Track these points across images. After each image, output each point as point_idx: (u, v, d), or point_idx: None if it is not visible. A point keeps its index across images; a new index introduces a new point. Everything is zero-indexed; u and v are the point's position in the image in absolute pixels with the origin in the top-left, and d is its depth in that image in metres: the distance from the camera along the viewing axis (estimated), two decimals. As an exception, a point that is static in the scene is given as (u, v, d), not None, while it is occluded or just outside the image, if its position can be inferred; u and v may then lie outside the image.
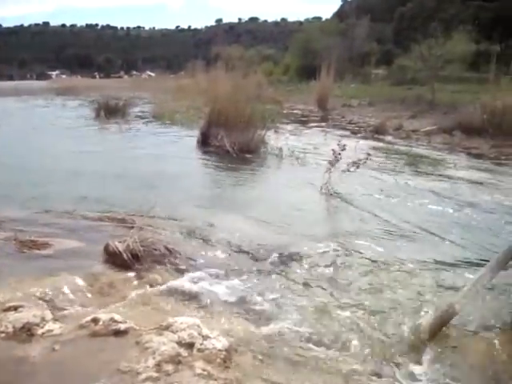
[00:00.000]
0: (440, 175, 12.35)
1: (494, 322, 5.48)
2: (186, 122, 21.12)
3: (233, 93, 15.76)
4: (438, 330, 5.19)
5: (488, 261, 5.48)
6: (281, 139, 15.46)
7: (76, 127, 21.22)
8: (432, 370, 4.71)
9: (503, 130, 16.15)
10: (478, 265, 6.42)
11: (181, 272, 6.40)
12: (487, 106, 17.06)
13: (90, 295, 5.76)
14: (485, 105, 17.18)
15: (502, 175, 12.47)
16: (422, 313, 5.55)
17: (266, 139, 15.15)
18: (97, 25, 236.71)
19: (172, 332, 4.59)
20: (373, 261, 6.88)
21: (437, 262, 6.95)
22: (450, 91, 25.35)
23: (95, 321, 4.76)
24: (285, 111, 27.54)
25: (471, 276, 5.94)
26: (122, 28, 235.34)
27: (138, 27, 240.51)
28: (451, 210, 9.37)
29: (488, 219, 8.64)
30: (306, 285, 6.15)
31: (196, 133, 16.66)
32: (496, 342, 5.13)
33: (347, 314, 5.50)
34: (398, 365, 4.74)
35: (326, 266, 6.67)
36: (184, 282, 6.05)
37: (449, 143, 16.52)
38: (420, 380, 4.53)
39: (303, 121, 23.83)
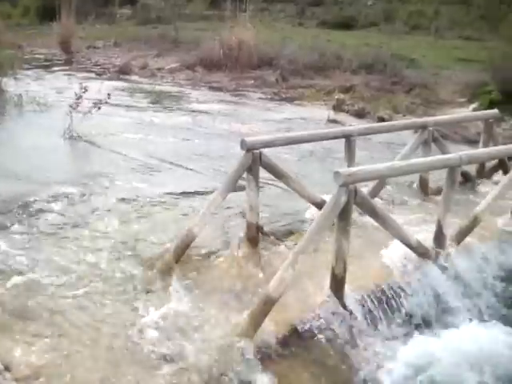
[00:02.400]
0: (183, 110, 12.81)
1: (228, 240, 6.03)
2: None
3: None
4: (182, 253, 5.57)
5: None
6: (21, 86, 14.45)
7: None
8: (180, 286, 5.10)
9: (240, 64, 17.19)
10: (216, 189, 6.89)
11: None
12: (225, 41, 17.86)
13: None
14: (222, 41, 17.95)
15: (239, 105, 13.37)
16: (167, 240, 5.86)
17: (4, 86, 14.05)
18: None
19: None
20: (121, 199, 6.99)
21: (181, 192, 7.33)
22: (192, 29, 25.93)
23: None
24: (26, 56, 25.61)
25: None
26: None
27: None
28: (194, 142, 9.85)
29: (226, 147, 9.23)
30: (51, 235, 6.05)
31: None
32: (234, 260, 5.68)
33: (100, 255, 5.60)
34: (149, 286, 5.05)
35: (70, 211, 6.62)
36: None
37: (192, 79, 17.07)
38: (169, 297, 4.88)
39: (46, 65, 22.45)
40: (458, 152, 5.61)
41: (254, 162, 5.72)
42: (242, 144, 5.68)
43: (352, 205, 4.59)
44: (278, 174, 6.05)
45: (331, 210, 4.52)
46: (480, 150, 6.40)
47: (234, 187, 5.83)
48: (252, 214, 5.92)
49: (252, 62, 17.53)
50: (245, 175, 5.80)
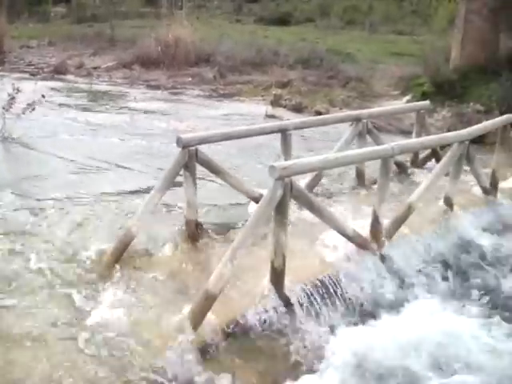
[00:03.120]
0: (121, 109, 12.64)
1: (167, 238, 5.99)
2: None
3: None
4: (121, 254, 5.50)
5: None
6: None
7: None
8: (119, 287, 5.05)
9: (177, 61, 17.08)
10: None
11: None
12: (162, 39, 17.70)
13: None
14: (159, 38, 17.78)
15: (177, 103, 13.30)
16: (106, 240, 5.77)
17: None
18: None
19: None
20: (57, 200, 6.84)
21: (120, 192, 7.24)
22: (129, 27, 25.58)
23: None
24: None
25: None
26: None
27: None
28: (132, 141, 9.72)
29: (165, 145, 9.17)
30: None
31: None
32: (174, 257, 5.64)
33: (35, 259, 5.46)
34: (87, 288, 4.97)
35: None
36: None
37: (129, 77, 16.87)
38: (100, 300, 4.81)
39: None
40: (390, 143, 5.75)
41: (190, 158, 5.70)
42: (178, 141, 5.65)
43: (288, 198, 4.64)
44: (214, 170, 6.06)
45: (268, 204, 4.55)
46: (411, 141, 6.59)
47: (171, 185, 5.80)
48: (190, 211, 5.90)
49: (189, 59, 17.46)
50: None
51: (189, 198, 5.87)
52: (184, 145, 5.64)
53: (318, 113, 11.49)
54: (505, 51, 12.73)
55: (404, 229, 6.01)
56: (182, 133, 7.06)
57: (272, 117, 11.27)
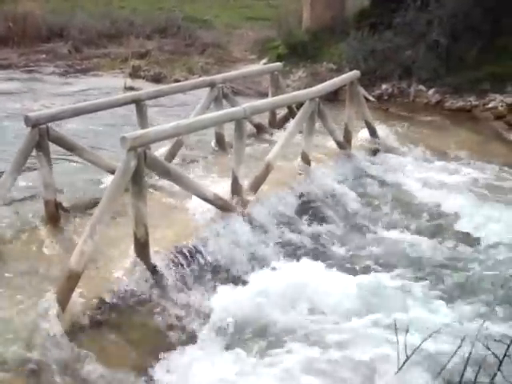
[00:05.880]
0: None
1: (26, 221, 5.78)
2: None
3: None
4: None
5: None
6: None
7: None
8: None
9: (28, 37, 16.08)
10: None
11: None
12: (10, 14, 16.54)
13: None
14: (6, 14, 16.61)
15: (31, 81, 12.68)
16: None
17: None
18: None
19: None
20: None
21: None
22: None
23: None
24: None
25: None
26: None
27: None
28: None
29: (19, 127, 8.63)
30: None
31: None
32: (35, 240, 5.44)
33: None
34: None
35: None
36: None
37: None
38: None
39: None
40: (243, 105, 5.88)
41: (42, 137, 5.50)
42: (26, 120, 5.43)
43: (143, 168, 4.63)
44: (69, 146, 5.90)
45: (122, 176, 4.52)
46: (263, 101, 6.74)
47: (23, 167, 5.58)
48: (48, 191, 5.71)
49: (41, 35, 16.51)
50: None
51: (45, 178, 5.67)
52: (33, 123, 5.43)
53: (178, 82, 11.39)
54: (352, 11, 13.31)
55: (266, 187, 6.20)
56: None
57: (131, 89, 10.98)
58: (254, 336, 4.61)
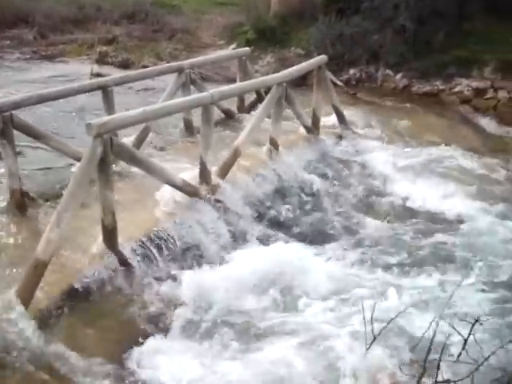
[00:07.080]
0: None
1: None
2: None
3: None
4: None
5: None
6: None
7: None
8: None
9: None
10: None
11: None
12: (-31, -1, 16.13)
13: None
14: (-34, -1, 16.20)
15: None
16: None
17: None
18: None
19: None
20: None
21: None
22: None
23: None
24: None
25: None
26: None
27: None
28: None
29: None
30: None
31: None
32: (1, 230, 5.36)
33: None
34: None
35: None
36: None
37: None
38: None
39: None
40: (210, 90, 5.86)
41: (6, 125, 5.41)
42: (-12, 109, 5.32)
43: (109, 155, 4.59)
44: (34, 134, 5.81)
45: (88, 163, 4.48)
46: (231, 86, 6.71)
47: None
48: (13, 180, 5.62)
49: (6, 20, 16.11)
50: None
51: (9, 167, 5.58)
52: (-5, 112, 5.32)
53: (146, 68, 11.28)
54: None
55: (235, 172, 6.21)
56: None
57: (98, 75, 10.82)
58: (222, 322, 4.65)
